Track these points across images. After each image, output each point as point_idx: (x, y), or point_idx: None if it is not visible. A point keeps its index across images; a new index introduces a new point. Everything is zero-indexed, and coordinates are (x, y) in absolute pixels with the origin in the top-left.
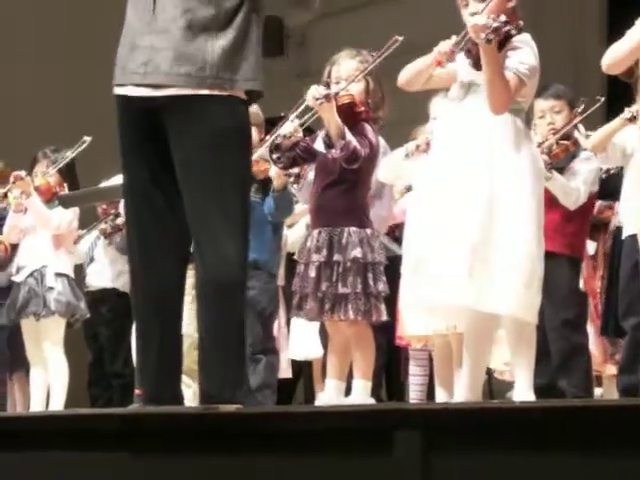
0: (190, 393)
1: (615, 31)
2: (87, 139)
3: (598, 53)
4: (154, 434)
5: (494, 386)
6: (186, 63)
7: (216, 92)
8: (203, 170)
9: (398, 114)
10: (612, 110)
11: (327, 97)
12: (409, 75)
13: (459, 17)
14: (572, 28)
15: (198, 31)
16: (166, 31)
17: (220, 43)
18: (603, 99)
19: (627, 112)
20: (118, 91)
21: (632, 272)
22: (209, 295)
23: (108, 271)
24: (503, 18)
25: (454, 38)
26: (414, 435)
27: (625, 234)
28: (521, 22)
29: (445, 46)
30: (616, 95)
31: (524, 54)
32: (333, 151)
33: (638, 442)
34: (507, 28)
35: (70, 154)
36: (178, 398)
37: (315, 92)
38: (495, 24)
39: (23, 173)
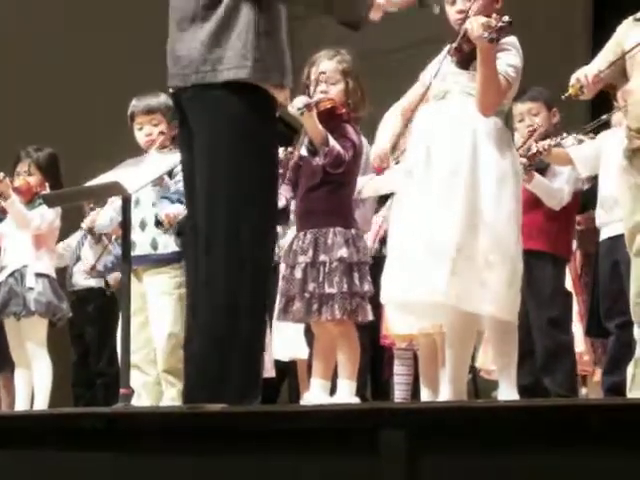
0: (174, 392)
1: (602, 32)
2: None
3: (586, 54)
4: (139, 433)
5: (479, 385)
6: (177, 63)
7: (199, 88)
8: (200, 170)
9: (381, 114)
10: (595, 110)
11: (308, 106)
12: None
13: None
14: (560, 30)
15: (186, 27)
16: (170, 33)
17: (200, 37)
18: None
19: (571, 139)
20: None
21: (611, 273)
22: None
23: None
24: (507, 18)
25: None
26: (399, 434)
27: (602, 237)
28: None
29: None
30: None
31: (511, 56)
32: (317, 158)
33: (623, 441)
34: (509, 29)
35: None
36: None
37: (296, 102)
38: (500, 24)
39: (1, 175)
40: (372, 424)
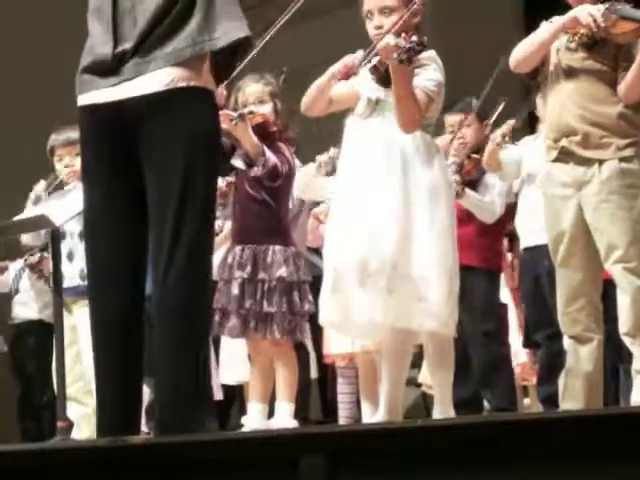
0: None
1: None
2: None
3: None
4: (65, 468)
5: (430, 400)
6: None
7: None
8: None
9: (314, 131)
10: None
11: (241, 116)
12: (312, 96)
13: None
14: (490, 27)
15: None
16: None
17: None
18: (503, 103)
19: (498, 135)
20: None
21: (533, 287)
22: (168, 318)
23: (34, 303)
24: (415, 38)
25: (360, 52)
26: (318, 459)
27: (521, 246)
28: (426, 38)
29: (350, 60)
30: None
31: (431, 71)
32: (255, 169)
33: (559, 453)
34: (419, 48)
35: None
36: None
37: (229, 113)
38: (408, 45)
39: None
40: (291, 450)
